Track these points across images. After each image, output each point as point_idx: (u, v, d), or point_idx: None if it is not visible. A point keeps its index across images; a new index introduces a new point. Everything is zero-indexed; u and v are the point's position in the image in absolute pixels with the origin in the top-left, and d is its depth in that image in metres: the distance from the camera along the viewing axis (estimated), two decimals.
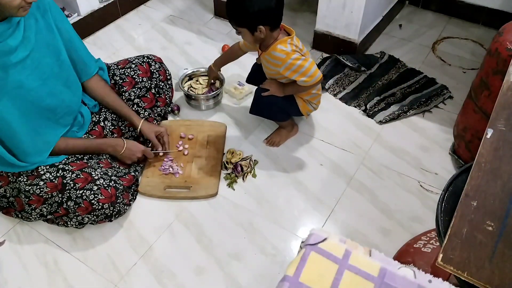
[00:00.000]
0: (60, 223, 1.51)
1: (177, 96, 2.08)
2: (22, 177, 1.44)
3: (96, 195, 1.40)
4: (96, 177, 1.43)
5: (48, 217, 1.51)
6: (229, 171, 1.73)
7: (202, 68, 2.10)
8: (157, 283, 1.41)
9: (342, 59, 2.21)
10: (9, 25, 1.25)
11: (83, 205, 1.39)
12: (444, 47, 2.39)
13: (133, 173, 1.59)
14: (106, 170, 1.49)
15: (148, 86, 1.75)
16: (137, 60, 1.76)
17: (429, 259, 1.24)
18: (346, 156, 1.80)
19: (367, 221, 1.57)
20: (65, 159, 1.48)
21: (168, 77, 1.85)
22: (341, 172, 1.74)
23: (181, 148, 1.80)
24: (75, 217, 1.44)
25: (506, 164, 0.90)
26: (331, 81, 2.15)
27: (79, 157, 1.52)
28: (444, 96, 2.05)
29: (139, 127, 1.66)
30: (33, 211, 1.48)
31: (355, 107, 2.03)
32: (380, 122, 1.94)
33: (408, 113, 1.97)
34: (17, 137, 1.36)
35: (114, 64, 1.75)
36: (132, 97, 1.72)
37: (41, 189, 1.41)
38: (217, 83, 2.06)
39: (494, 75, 1.45)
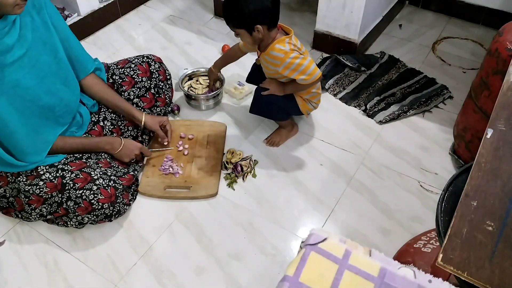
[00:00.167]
0: (60, 223, 1.51)
1: (177, 96, 2.08)
2: (21, 177, 1.44)
3: (95, 195, 1.40)
4: (95, 177, 1.43)
5: (48, 217, 1.50)
6: (229, 171, 1.73)
7: (202, 68, 2.10)
8: (157, 283, 1.41)
9: (342, 59, 2.21)
10: (4, 24, 1.25)
11: (83, 205, 1.39)
12: (444, 47, 2.39)
13: (132, 173, 1.59)
14: (106, 170, 1.49)
15: (148, 86, 1.75)
16: (136, 60, 1.76)
17: (429, 259, 1.24)
18: (346, 156, 1.80)
19: (367, 221, 1.57)
20: (64, 159, 1.48)
21: (168, 77, 1.85)
22: (341, 172, 1.74)
23: (181, 148, 1.80)
24: (75, 217, 1.44)
25: (506, 164, 0.90)
26: (331, 81, 2.15)
27: (78, 156, 1.51)
28: (444, 96, 2.06)
29: (143, 121, 1.66)
30: (33, 211, 1.48)
31: (355, 107, 2.03)
32: (380, 122, 1.94)
33: (408, 113, 1.97)
34: (15, 136, 1.35)
35: (114, 64, 1.75)
36: (132, 97, 1.72)
37: (41, 189, 1.41)
38: (217, 83, 2.06)
39: (494, 75, 1.45)
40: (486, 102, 1.50)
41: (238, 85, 2.09)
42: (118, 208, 1.47)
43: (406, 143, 1.85)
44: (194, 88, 2.06)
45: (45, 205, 1.45)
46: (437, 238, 1.16)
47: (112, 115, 1.69)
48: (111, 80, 1.70)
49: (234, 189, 1.68)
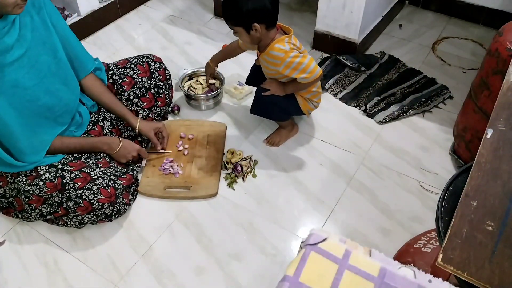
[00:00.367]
0: (60, 223, 1.51)
1: (177, 96, 2.08)
2: (21, 177, 1.44)
3: (95, 195, 1.40)
4: (95, 177, 1.43)
5: (48, 217, 1.50)
6: (229, 171, 1.73)
7: (202, 68, 2.09)
8: (157, 283, 1.41)
9: (342, 59, 2.21)
10: (4, 24, 1.25)
11: (82, 205, 1.39)
12: (444, 47, 2.39)
13: (131, 173, 1.59)
14: (105, 170, 1.49)
15: (148, 86, 1.75)
16: (136, 60, 1.76)
17: (429, 259, 1.24)
18: (346, 156, 1.80)
19: (367, 221, 1.57)
20: (64, 159, 1.48)
21: (168, 77, 1.85)
22: (341, 172, 1.74)
23: (181, 148, 1.80)
24: (75, 217, 1.44)
25: (506, 164, 0.90)
26: (331, 81, 2.15)
27: (78, 156, 1.51)
28: (444, 96, 2.06)
29: (137, 127, 1.66)
30: (33, 211, 1.48)
31: (355, 107, 2.03)
32: (380, 122, 1.94)
33: (408, 113, 1.97)
34: (14, 136, 1.35)
35: (114, 64, 1.75)
36: (131, 97, 1.72)
37: (41, 189, 1.41)
38: (217, 83, 2.06)
39: (494, 75, 1.45)
40: (486, 102, 1.50)
41: (238, 85, 2.09)
42: (118, 208, 1.47)
43: (406, 143, 1.85)
44: (194, 88, 2.06)
45: (45, 205, 1.45)
46: (437, 238, 1.16)
47: (111, 115, 1.69)
48: (111, 81, 1.70)
49: (234, 189, 1.68)
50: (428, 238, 1.35)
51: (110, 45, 2.44)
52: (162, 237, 1.53)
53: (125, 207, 1.51)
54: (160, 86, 1.80)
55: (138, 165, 1.72)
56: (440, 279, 0.74)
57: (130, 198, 1.56)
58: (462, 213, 0.82)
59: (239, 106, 2.05)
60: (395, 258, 1.38)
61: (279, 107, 1.73)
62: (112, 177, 1.47)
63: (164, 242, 1.52)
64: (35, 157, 1.43)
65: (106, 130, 1.67)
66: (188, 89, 2.05)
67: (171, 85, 1.90)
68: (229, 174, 1.73)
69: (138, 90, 1.73)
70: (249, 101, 2.03)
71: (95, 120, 1.66)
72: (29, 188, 1.42)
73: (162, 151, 1.76)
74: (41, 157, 1.44)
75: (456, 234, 0.79)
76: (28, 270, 1.45)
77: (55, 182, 1.41)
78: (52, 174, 1.42)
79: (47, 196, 1.42)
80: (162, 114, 1.87)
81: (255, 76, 1.84)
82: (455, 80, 2.16)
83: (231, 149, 1.80)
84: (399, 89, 2.10)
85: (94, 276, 1.43)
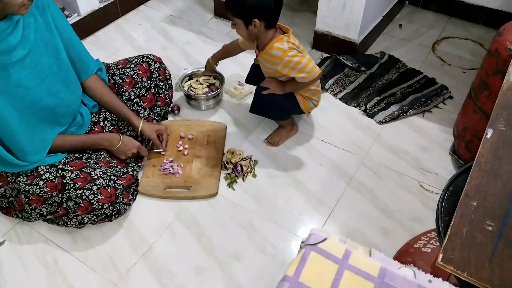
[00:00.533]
0: (60, 223, 1.51)
1: (177, 96, 2.08)
2: (21, 177, 1.44)
3: (95, 195, 1.40)
4: (95, 177, 1.43)
5: (48, 217, 1.51)
6: (229, 171, 1.73)
7: (202, 68, 2.09)
8: (157, 283, 1.41)
9: (342, 59, 2.21)
10: (8, 24, 1.25)
11: (83, 205, 1.39)
12: (444, 47, 2.39)
13: (131, 173, 1.59)
14: (105, 170, 1.49)
15: (148, 86, 1.75)
16: (136, 60, 1.76)
17: (429, 259, 1.24)
18: (346, 156, 1.80)
19: (367, 221, 1.57)
20: (64, 159, 1.48)
21: (168, 77, 1.85)
22: (341, 172, 1.74)
23: (181, 148, 1.80)
24: (75, 217, 1.44)
25: (506, 164, 0.90)
26: (331, 81, 2.15)
27: (78, 156, 1.52)
28: (444, 96, 2.06)
29: (139, 128, 1.66)
30: (33, 211, 1.48)
31: (355, 107, 2.03)
32: (380, 122, 1.94)
33: (408, 113, 1.97)
34: (15, 136, 1.36)
35: (114, 64, 1.75)
36: (132, 97, 1.72)
37: (41, 189, 1.41)
38: (217, 83, 2.06)
39: (494, 75, 1.45)
40: (486, 102, 1.50)
41: (238, 85, 2.09)
42: (118, 208, 1.47)
43: (406, 143, 1.85)
44: (194, 88, 2.05)
45: (45, 205, 1.45)
46: (437, 238, 1.16)
47: (112, 115, 1.69)
48: (112, 81, 1.70)
49: (234, 189, 1.68)
50: (428, 238, 1.35)
51: (110, 45, 2.44)
52: (162, 237, 1.53)
53: (125, 207, 1.51)
54: (160, 86, 1.80)
55: (139, 165, 1.72)
56: (440, 279, 0.74)
57: (130, 198, 1.56)
58: (462, 213, 0.82)
59: (239, 106, 2.05)
60: (395, 258, 1.38)
61: (278, 106, 1.73)
62: (112, 177, 1.47)
63: (164, 242, 1.52)
64: (37, 156, 1.43)
65: (107, 130, 1.67)
66: (188, 89, 2.05)
67: (171, 85, 1.90)
68: (229, 174, 1.73)
69: (138, 90, 1.73)
70: (249, 101, 2.03)
71: (95, 120, 1.66)
72: (29, 188, 1.42)
73: (162, 150, 1.76)
74: (42, 157, 1.44)
75: (456, 234, 0.79)
76: (28, 270, 1.45)
77: (56, 182, 1.41)
78: (52, 174, 1.43)
79: (47, 196, 1.42)
80: (162, 114, 1.87)
81: (255, 75, 1.84)
82: (455, 80, 2.16)
83: (231, 149, 1.80)
84: (399, 89, 2.10)
85: (94, 276, 1.43)
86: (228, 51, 1.92)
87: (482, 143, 0.94)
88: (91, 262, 1.47)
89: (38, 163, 1.43)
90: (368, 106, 2.01)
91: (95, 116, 1.66)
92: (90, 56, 1.61)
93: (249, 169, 1.74)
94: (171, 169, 1.71)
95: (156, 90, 1.78)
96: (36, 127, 1.41)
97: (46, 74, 1.40)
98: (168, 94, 1.86)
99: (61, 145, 1.49)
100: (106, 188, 1.42)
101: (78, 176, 1.42)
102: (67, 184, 1.40)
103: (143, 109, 1.75)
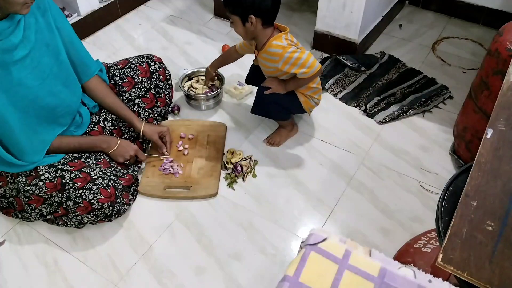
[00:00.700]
0: (60, 223, 1.51)
1: (177, 96, 2.08)
2: (21, 177, 1.44)
3: (95, 195, 1.40)
4: (95, 177, 1.43)
5: (48, 217, 1.51)
6: (229, 171, 1.73)
7: (202, 68, 2.10)
8: (157, 283, 1.41)
9: (342, 59, 2.21)
10: (9, 23, 1.25)
11: (82, 205, 1.39)
12: (444, 47, 2.39)
13: (131, 173, 1.59)
14: (105, 170, 1.49)
15: (148, 86, 1.75)
16: (136, 60, 1.76)
17: (429, 259, 1.24)
18: (346, 156, 1.80)
19: (367, 221, 1.57)
20: (63, 159, 1.48)
21: (168, 77, 1.85)
22: (341, 172, 1.74)
23: (181, 148, 1.80)
24: (74, 217, 1.44)
25: (506, 164, 0.90)
26: (331, 81, 2.15)
27: (77, 156, 1.51)
28: (444, 96, 2.06)
29: (141, 130, 1.66)
30: (32, 211, 1.48)
31: (355, 107, 2.03)
32: (380, 122, 1.94)
33: (408, 113, 1.97)
34: (14, 135, 1.36)
35: (114, 64, 1.75)
36: (133, 97, 1.72)
37: (40, 189, 1.41)
38: (217, 83, 2.06)
39: (494, 75, 1.45)
40: (486, 102, 1.50)
41: (238, 85, 2.09)
42: (118, 208, 1.47)
43: (406, 143, 1.85)
44: (194, 88, 2.05)
45: (45, 205, 1.45)
46: (437, 238, 1.16)
47: (113, 116, 1.69)
48: (112, 82, 1.70)
49: (234, 189, 1.68)
50: (428, 238, 1.35)
51: (110, 45, 2.44)
52: (162, 237, 1.53)
53: (125, 207, 1.51)
54: (160, 86, 1.80)
55: (138, 165, 1.72)
56: (440, 279, 0.74)
57: (130, 198, 1.56)
58: (462, 213, 0.82)
59: (239, 106, 2.05)
60: (395, 258, 1.38)
61: (281, 106, 1.73)
62: (112, 177, 1.47)
63: (164, 242, 1.52)
64: (35, 156, 1.43)
65: (107, 130, 1.67)
66: (188, 89, 2.05)
67: (171, 85, 1.90)
68: (229, 174, 1.73)
69: (139, 90, 1.73)
70: (249, 101, 2.03)
71: (96, 120, 1.66)
72: (28, 188, 1.42)
73: (161, 155, 1.74)
74: (41, 157, 1.44)
75: (456, 234, 0.79)
76: (28, 270, 1.45)
77: (55, 182, 1.41)
78: (51, 174, 1.43)
79: (46, 196, 1.42)
80: (162, 114, 1.87)
81: (255, 75, 1.84)
82: (455, 80, 2.16)
83: (231, 149, 1.80)
84: (399, 89, 2.10)
85: (94, 276, 1.43)
86: (226, 58, 1.92)
87: (482, 143, 0.94)
88: (91, 262, 1.47)
89: (36, 163, 1.43)
90: (368, 106, 2.01)
91: (95, 117, 1.66)
92: (91, 58, 1.61)
93: (249, 169, 1.74)
94: (171, 169, 1.71)
95: (156, 90, 1.78)
96: (36, 126, 1.41)
97: (47, 75, 1.40)
98: (168, 94, 1.86)
99: (59, 146, 1.49)
100: (106, 188, 1.42)
101: (77, 176, 1.42)
102: (67, 184, 1.40)
103: (143, 110, 1.75)
